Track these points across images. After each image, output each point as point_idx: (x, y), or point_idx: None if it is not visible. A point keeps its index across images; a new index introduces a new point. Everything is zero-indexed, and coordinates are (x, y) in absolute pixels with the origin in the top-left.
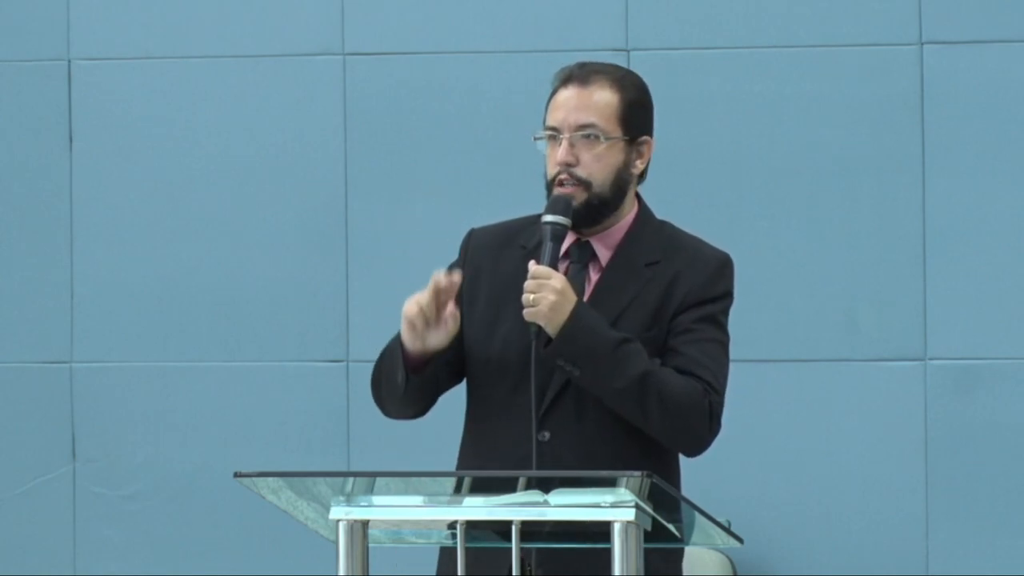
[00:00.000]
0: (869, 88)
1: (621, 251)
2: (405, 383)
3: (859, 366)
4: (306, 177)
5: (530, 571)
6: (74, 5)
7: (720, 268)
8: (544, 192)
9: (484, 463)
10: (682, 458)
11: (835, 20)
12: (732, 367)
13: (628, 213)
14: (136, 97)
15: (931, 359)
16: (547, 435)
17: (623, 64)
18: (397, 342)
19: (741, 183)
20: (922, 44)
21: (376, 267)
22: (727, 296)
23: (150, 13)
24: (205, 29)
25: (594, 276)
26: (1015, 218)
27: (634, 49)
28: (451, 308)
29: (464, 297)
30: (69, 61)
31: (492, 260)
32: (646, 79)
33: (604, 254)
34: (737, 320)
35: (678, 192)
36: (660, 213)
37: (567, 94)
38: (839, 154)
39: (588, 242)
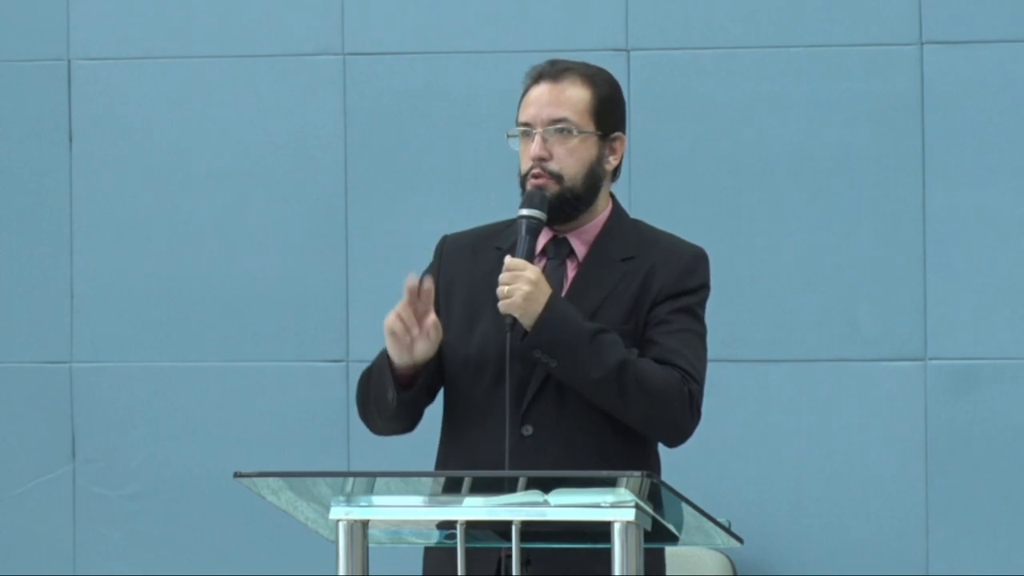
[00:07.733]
0: (869, 88)
1: (597, 247)
2: (396, 399)
3: (859, 366)
4: (306, 177)
5: (524, 571)
6: (74, 5)
7: (695, 261)
8: (519, 190)
9: (465, 463)
10: (682, 459)
11: (835, 20)
12: (733, 367)
13: (603, 210)
14: (136, 97)
15: (931, 359)
16: (530, 429)
17: (623, 64)
18: (384, 359)
19: (741, 183)
20: (922, 44)
21: (376, 267)
22: (703, 288)
23: (150, 13)
24: (205, 29)
25: (571, 272)
26: (1015, 218)
27: (634, 49)
28: (432, 318)
29: (441, 304)
30: (69, 61)
31: (467, 264)
32: (646, 79)
33: (581, 250)
34: (738, 320)
35: (678, 192)
36: (659, 213)
37: (539, 91)
38: (839, 154)
39: (565, 238)
